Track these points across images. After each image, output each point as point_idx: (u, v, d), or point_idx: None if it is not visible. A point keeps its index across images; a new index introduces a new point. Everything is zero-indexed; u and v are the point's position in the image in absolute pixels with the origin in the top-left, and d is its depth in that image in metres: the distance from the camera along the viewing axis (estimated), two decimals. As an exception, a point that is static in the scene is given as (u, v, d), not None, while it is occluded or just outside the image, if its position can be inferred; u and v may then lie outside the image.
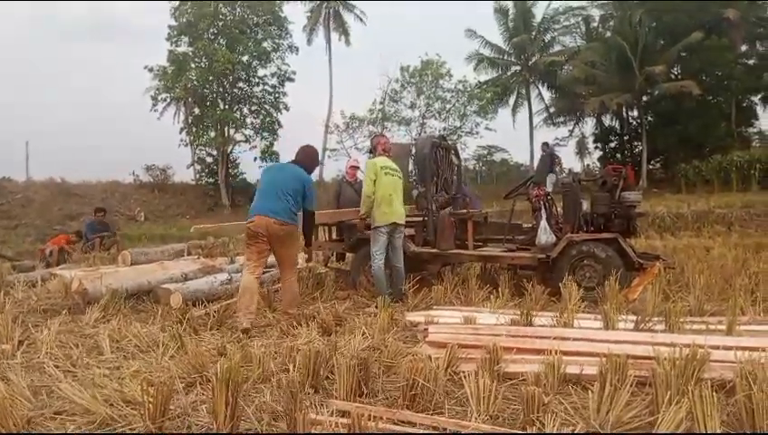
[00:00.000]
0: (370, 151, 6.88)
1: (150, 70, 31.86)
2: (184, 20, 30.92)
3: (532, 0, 34.59)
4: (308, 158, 5.87)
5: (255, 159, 32.65)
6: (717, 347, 3.55)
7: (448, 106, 33.33)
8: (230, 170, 33.08)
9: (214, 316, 5.38)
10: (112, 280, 6.40)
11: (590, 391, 2.99)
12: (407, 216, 7.43)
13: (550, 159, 17.72)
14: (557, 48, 35.53)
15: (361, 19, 37.04)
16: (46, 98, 65.34)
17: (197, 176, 34.48)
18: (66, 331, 5.09)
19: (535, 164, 24.07)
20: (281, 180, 5.53)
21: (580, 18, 35.47)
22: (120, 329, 4.85)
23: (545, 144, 19.23)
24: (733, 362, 3.32)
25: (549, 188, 6.58)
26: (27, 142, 31.86)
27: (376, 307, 5.48)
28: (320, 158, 6.34)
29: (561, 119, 36.84)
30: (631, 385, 2.99)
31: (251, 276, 5.36)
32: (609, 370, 3.14)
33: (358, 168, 9.47)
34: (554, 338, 3.92)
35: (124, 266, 7.71)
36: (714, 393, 2.70)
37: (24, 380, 3.53)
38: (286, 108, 33.79)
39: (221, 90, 32.12)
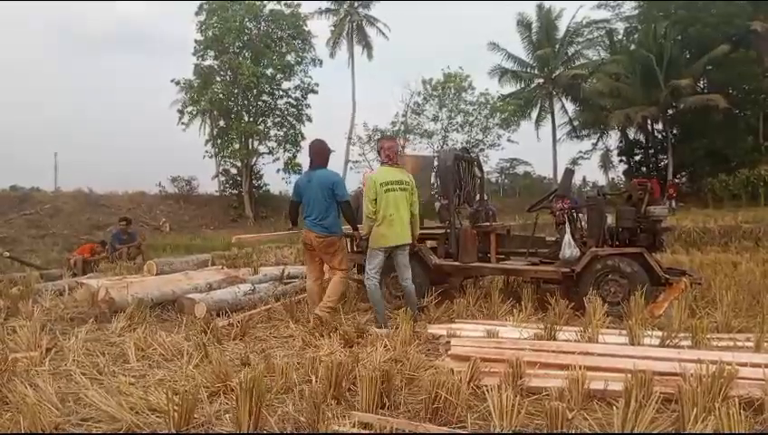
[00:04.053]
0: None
1: (177, 83, 32.44)
2: (210, 34, 31.44)
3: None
4: (319, 156, 6.03)
5: (278, 170, 33.01)
6: (745, 364, 3.49)
7: (471, 119, 33.36)
8: (254, 182, 33.41)
9: (237, 326, 5.42)
10: (138, 289, 6.48)
11: (614, 408, 2.95)
12: (429, 228, 7.43)
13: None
14: (581, 61, 35.43)
15: (384, 33, 37.32)
16: (76, 113, 66.88)
17: (222, 187, 34.92)
18: (93, 339, 5.17)
19: (558, 177, 23.93)
20: (312, 194, 5.85)
21: (603, 31, 35.38)
22: (145, 338, 4.90)
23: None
24: (761, 379, 3.26)
25: None
26: (56, 153, 32.71)
27: (399, 319, 5.46)
28: (327, 147, 6.18)
29: (585, 132, 36.65)
30: (657, 402, 2.94)
31: (309, 282, 6.18)
32: (634, 386, 3.10)
33: None
34: (578, 353, 3.88)
35: (150, 276, 7.81)
36: (741, 411, 2.66)
37: (51, 386, 3.59)
38: (309, 120, 34.13)
39: (246, 102, 32.55)
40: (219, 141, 32.53)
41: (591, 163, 43.12)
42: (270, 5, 32.88)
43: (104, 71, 71.92)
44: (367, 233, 5.90)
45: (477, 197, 7.72)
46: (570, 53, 35.85)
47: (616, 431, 2.81)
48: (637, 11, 34.94)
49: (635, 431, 2.74)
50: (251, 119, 32.45)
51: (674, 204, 23.39)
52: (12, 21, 70.95)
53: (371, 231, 5.86)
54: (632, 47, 32.50)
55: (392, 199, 5.80)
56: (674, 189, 25.12)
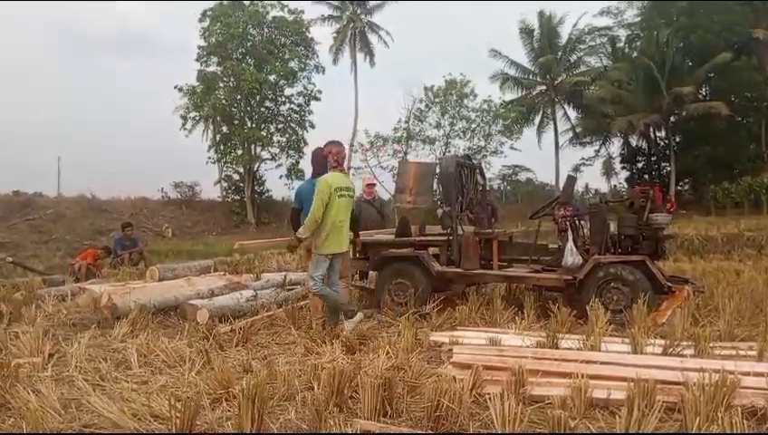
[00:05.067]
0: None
1: (180, 89, 32.53)
2: (213, 40, 31.55)
3: None
4: (322, 164, 6.06)
5: (281, 176, 33.09)
6: (748, 373, 3.48)
7: (473, 126, 33.38)
8: (256, 188, 33.46)
9: (239, 333, 5.42)
10: (140, 295, 6.49)
11: (617, 416, 2.95)
12: (432, 234, 7.43)
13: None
14: (583, 68, 35.44)
15: (386, 42, 37.37)
16: (76, 113, 67.10)
17: (224, 193, 34.97)
18: (95, 345, 5.18)
19: (561, 184, 23.94)
20: None
21: (606, 38, 35.42)
22: (147, 344, 4.90)
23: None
24: (764, 388, 3.25)
25: None
26: (59, 158, 32.80)
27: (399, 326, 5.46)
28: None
29: (588, 139, 36.61)
30: (660, 411, 2.94)
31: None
32: (636, 394, 3.09)
33: (374, 184, 9.52)
34: (581, 361, 3.87)
35: (152, 282, 7.81)
36: (744, 421, 2.65)
37: (54, 393, 3.59)
38: (312, 126, 34.21)
39: (248, 108, 32.65)
40: (222, 147, 32.61)
41: (594, 170, 43.07)
42: (273, 12, 33.05)
43: (104, 72, 71.97)
44: (308, 236, 5.63)
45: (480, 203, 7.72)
46: (572, 60, 35.89)
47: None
48: (638, 18, 35.02)
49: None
50: (254, 125, 32.55)
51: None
52: (12, 21, 71.20)
53: (312, 235, 5.66)
54: (634, 54, 32.53)
55: (343, 205, 5.72)
56: (671, 204, 25.10)
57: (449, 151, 32.59)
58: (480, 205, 7.60)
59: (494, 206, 8.31)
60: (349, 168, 34.32)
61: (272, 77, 32.06)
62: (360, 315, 5.62)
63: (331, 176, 5.77)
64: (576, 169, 37.16)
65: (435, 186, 8.07)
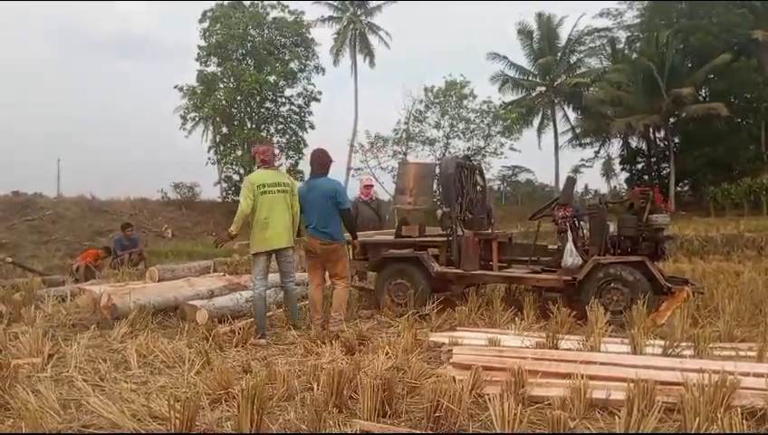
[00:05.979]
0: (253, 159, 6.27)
1: (180, 89, 32.53)
2: (213, 41, 31.56)
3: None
4: (320, 165, 6.09)
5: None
6: (747, 374, 3.48)
7: (472, 126, 33.37)
8: (256, 188, 33.42)
9: (239, 333, 5.42)
10: (140, 296, 6.48)
11: (616, 417, 2.95)
12: (432, 236, 7.43)
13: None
14: (582, 69, 35.45)
15: (386, 42, 37.36)
16: (76, 114, 67.23)
17: (224, 194, 34.97)
18: (95, 345, 5.18)
19: (560, 185, 23.95)
20: (315, 201, 5.89)
21: (605, 39, 35.44)
22: (147, 344, 4.91)
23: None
24: (763, 389, 3.25)
25: None
26: (59, 159, 32.84)
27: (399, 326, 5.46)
28: (328, 156, 6.13)
29: (587, 140, 36.63)
30: (659, 411, 2.94)
31: (311, 289, 6.10)
32: (636, 395, 3.09)
33: (372, 186, 9.51)
34: (580, 362, 3.87)
35: (152, 282, 7.80)
36: (744, 421, 2.65)
37: (53, 393, 3.59)
38: (312, 127, 34.22)
39: (248, 109, 32.65)
40: (222, 148, 32.63)
41: (593, 171, 43.17)
42: (274, 13, 33.07)
43: (105, 72, 72.38)
44: (235, 231, 5.81)
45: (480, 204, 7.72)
46: (572, 62, 35.90)
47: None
48: (638, 20, 35.06)
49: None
50: (254, 126, 32.56)
51: None
52: (12, 21, 71.55)
53: (251, 234, 5.85)
54: (634, 56, 32.55)
55: (267, 202, 5.73)
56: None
57: (449, 152, 32.58)
58: (479, 206, 7.59)
59: (489, 208, 8.30)
60: (348, 168, 34.40)
61: (272, 78, 32.07)
62: (264, 341, 5.49)
63: (255, 173, 5.96)
64: (576, 169, 37.25)
65: (435, 187, 8.06)
